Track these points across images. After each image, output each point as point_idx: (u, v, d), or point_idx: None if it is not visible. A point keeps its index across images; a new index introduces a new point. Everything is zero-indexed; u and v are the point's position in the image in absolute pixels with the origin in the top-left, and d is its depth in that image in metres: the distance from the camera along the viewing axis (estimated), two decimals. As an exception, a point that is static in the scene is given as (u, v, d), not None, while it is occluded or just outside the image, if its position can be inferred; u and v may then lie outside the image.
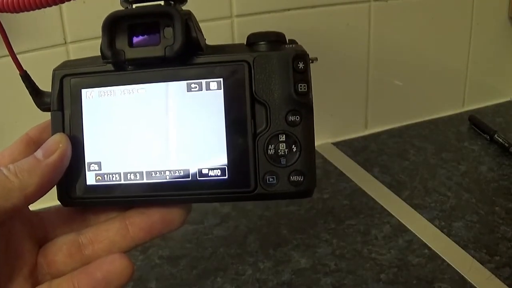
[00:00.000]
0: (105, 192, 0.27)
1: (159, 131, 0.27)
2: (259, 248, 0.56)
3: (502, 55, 0.88)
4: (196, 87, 0.27)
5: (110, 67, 0.27)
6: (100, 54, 0.27)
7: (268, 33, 0.29)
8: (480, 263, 0.52)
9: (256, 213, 0.62)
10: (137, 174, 0.27)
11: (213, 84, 0.27)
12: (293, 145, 0.27)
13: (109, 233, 0.29)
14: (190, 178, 0.27)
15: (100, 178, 0.27)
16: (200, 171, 0.27)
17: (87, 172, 0.27)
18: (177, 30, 0.26)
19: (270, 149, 0.27)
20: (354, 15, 0.74)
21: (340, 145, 0.78)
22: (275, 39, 0.29)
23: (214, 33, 0.67)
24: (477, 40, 0.84)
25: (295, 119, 0.27)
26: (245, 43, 0.30)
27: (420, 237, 0.56)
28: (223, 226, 0.60)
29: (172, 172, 0.27)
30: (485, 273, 0.50)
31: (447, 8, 0.80)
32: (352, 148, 0.77)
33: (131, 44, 0.26)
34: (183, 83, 0.27)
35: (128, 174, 0.27)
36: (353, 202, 0.63)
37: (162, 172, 0.27)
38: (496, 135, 0.75)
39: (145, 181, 0.27)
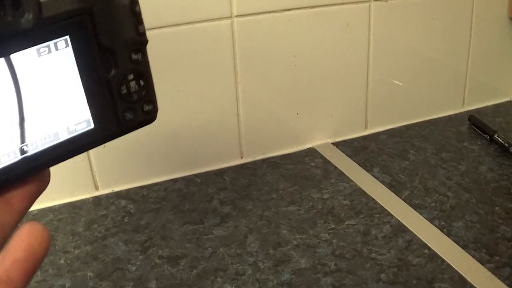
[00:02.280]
0: None
1: (20, 104, 0.26)
2: (259, 248, 0.56)
3: (502, 55, 0.88)
4: (45, 51, 0.26)
5: None
6: None
7: None
8: (480, 263, 0.52)
9: (256, 213, 0.62)
10: (9, 154, 0.26)
11: (61, 43, 0.27)
12: (140, 80, 0.30)
13: None
14: (60, 139, 0.28)
15: None
16: (68, 129, 0.28)
17: None
18: None
19: (123, 90, 0.29)
20: (354, 15, 0.74)
21: (340, 145, 0.78)
22: None
23: (214, 33, 0.67)
24: (477, 40, 0.84)
25: (138, 57, 0.30)
26: None
27: (420, 237, 0.56)
28: (223, 226, 0.60)
29: (43, 139, 0.27)
30: (485, 273, 0.50)
31: (447, 8, 0.80)
32: (352, 148, 0.77)
33: None
34: (33, 50, 0.26)
35: (1, 158, 0.26)
36: (353, 202, 0.63)
37: (33, 143, 0.27)
38: (496, 135, 0.75)
39: (19, 158, 0.27)
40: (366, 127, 0.82)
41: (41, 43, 0.26)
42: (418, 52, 0.81)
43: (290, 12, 0.70)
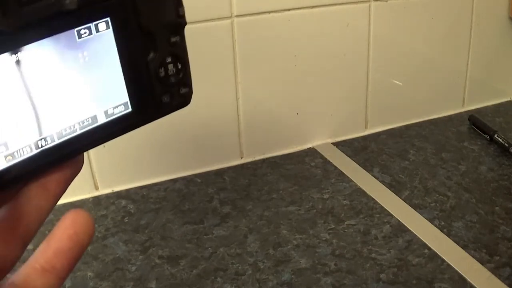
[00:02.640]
0: (18, 170, 0.25)
1: (59, 87, 0.26)
2: (259, 248, 0.56)
3: (502, 55, 0.88)
4: (86, 33, 0.26)
5: None
6: None
7: None
8: (480, 263, 0.52)
9: (256, 213, 0.62)
10: (47, 138, 0.26)
11: (102, 25, 0.26)
12: (178, 63, 0.30)
13: (33, 201, 0.26)
14: (98, 122, 0.27)
15: (11, 158, 0.25)
16: (106, 112, 0.28)
17: None
18: None
19: (161, 73, 0.29)
20: (354, 15, 0.74)
21: (340, 145, 0.78)
22: None
23: (214, 33, 0.67)
24: (477, 40, 0.84)
25: (176, 40, 0.30)
26: None
27: (420, 237, 0.56)
28: (223, 226, 0.60)
29: (81, 123, 0.27)
30: (485, 273, 0.50)
31: (447, 8, 0.80)
32: (352, 148, 0.77)
33: (22, 4, 0.23)
34: (73, 32, 0.25)
35: (39, 142, 0.26)
36: (353, 202, 0.63)
37: (72, 127, 0.27)
38: (496, 135, 0.75)
39: (56, 142, 0.26)
40: (366, 127, 0.82)
41: (82, 25, 0.26)
42: (418, 52, 0.81)
43: (290, 12, 0.70)
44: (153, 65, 0.29)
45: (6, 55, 0.24)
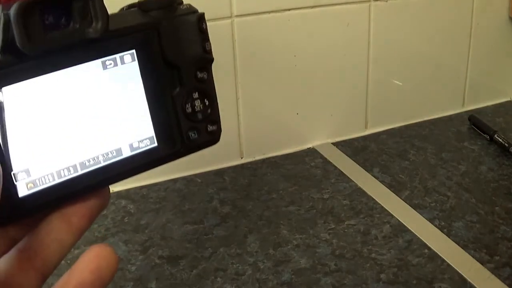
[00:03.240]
0: (39, 198, 0.25)
1: (84, 118, 0.26)
2: (259, 248, 0.56)
3: (502, 55, 0.88)
4: (111, 64, 0.26)
5: (9, 59, 0.23)
6: None
7: None
8: (480, 263, 0.52)
9: (256, 213, 0.62)
10: (70, 168, 0.26)
11: (127, 57, 0.26)
12: (205, 99, 0.30)
13: (53, 234, 0.26)
14: (123, 155, 0.27)
15: (32, 185, 0.25)
16: (131, 146, 0.27)
17: (16, 184, 0.24)
18: (97, 4, 0.24)
19: (187, 108, 0.29)
20: (354, 15, 0.74)
21: (340, 145, 0.78)
22: (170, 2, 0.29)
23: (214, 33, 0.67)
24: (477, 40, 0.84)
25: (203, 75, 0.30)
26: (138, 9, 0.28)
27: (420, 237, 0.56)
28: (223, 226, 0.60)
29: (105, 155, 0.27)
30: (485, 273, 0.50)
31: (447, 8, 0.80)
32: (352, 148, 0.77)
33: (46, 30, 0.23)
34: (98, 62, 0.26)
35: (61, 172, 0.25)
36: (353, 202, 0.63)
37: (95, 159, 0.26)
38: (496, 135, 0.75)
39: (80, 172, 0.26)
40: (366, 127, 0.82)
41: (107, 56, 0.26)
42: (418, 52, 0.81)
43: (290, 12, 0.70)
44: (179, 100, 0.28)
45: (30, 81, 0.24)
